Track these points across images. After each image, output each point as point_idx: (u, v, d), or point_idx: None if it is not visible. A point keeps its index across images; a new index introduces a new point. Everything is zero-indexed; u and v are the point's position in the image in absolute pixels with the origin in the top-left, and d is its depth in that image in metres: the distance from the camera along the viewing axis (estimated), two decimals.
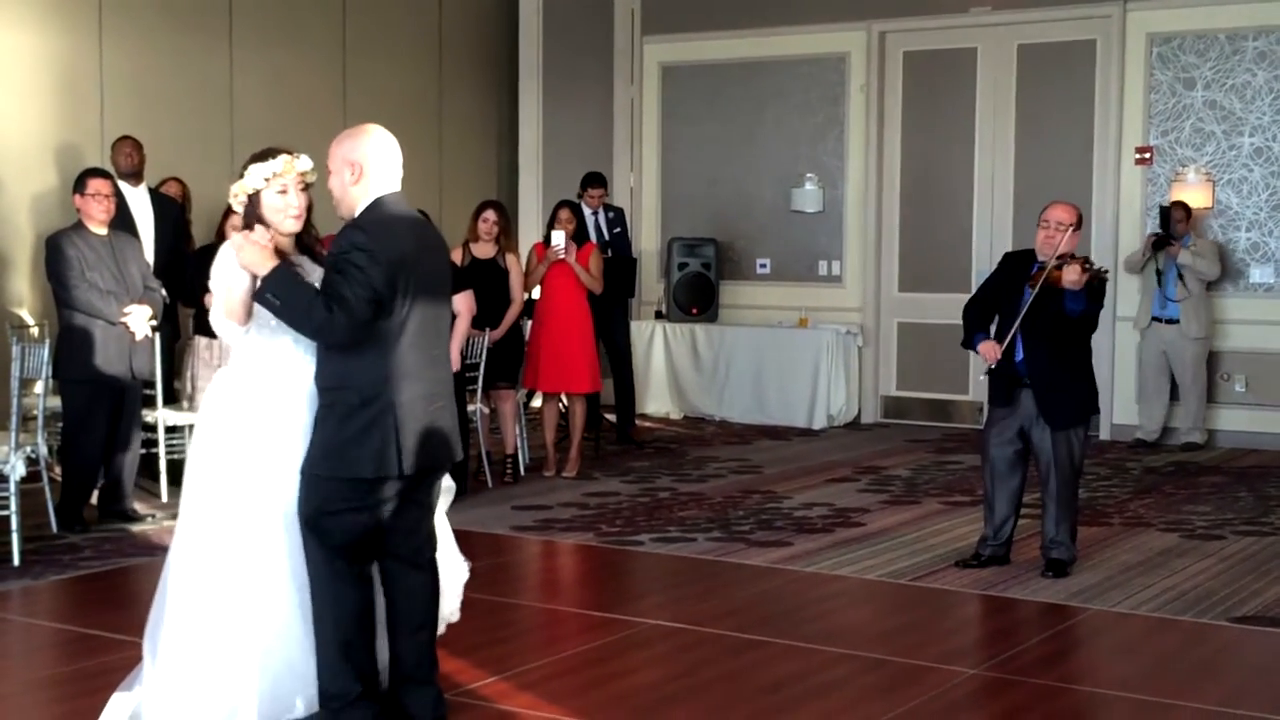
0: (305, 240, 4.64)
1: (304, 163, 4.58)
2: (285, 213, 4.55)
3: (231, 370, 4.59)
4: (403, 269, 4.31)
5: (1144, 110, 10.96)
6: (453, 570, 4.91)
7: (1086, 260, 6.56)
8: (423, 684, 4.57)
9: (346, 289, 4.22)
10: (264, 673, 4.41)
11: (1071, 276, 6.44)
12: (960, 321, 6.95)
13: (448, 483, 4.84)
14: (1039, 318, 6.57)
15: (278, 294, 4.29)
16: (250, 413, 4.47)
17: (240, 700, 4.40)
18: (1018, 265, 6.83)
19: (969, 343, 6.84)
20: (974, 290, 7.29)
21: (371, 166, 4.40)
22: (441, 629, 4.79)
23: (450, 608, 4.90)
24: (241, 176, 4.57)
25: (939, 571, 6.86)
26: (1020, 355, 6.65)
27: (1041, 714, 4.95)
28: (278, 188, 4.53)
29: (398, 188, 4.46)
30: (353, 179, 4.41)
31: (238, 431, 4.47)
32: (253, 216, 4.55)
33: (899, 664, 5.43)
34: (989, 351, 6.66)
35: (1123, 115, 11.01)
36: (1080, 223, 6.74)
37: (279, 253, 4.43)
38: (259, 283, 4.34)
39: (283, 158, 4.55)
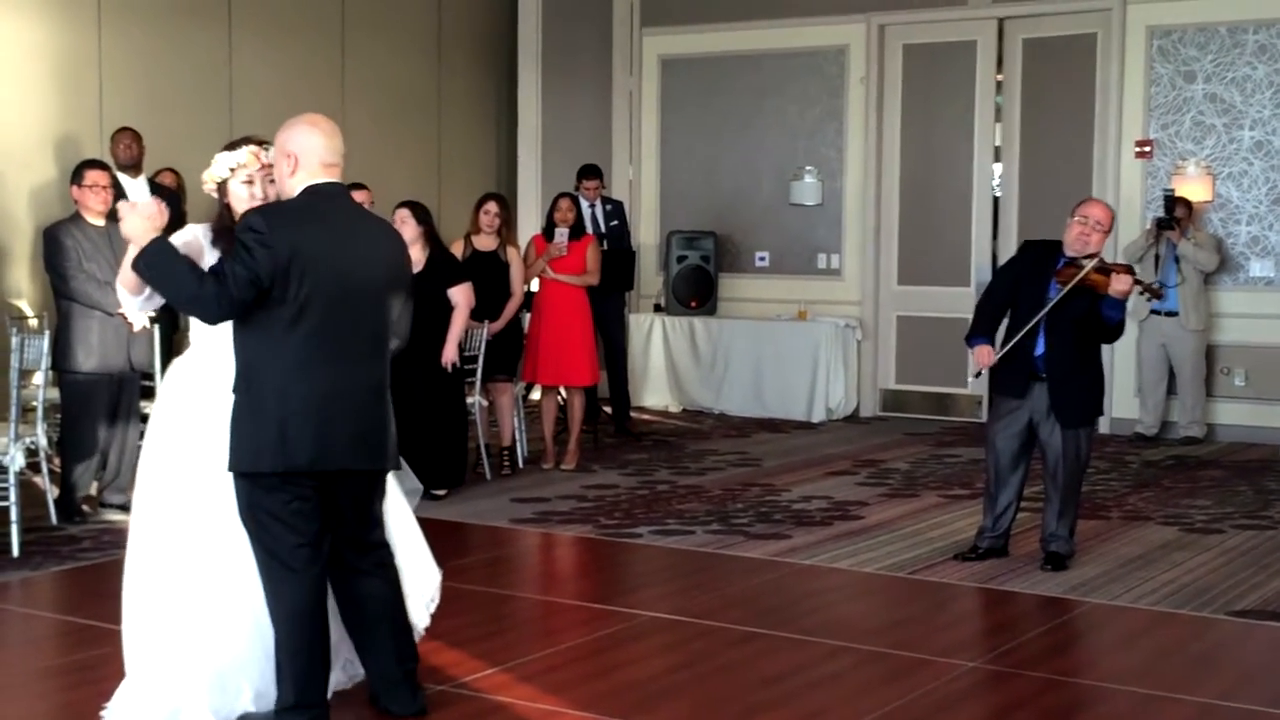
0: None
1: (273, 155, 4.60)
2: (250, 203, 4.60)
3: (188, 357, 4.66)
4: (298, 259, 4.20)
5: (1144, 103, 10.96)
6: (420, 577, 4.85)
7: (1131, 269, 6.55)
8: (395, 683, 4.53)
9: (227, 265, 4.21)
10: (211, 662, 4.44)
11: (1121, 287, 6.41)
12: (968, 315, 6.94)
13: (412, 484, 4.82)
14: (1063, 314, 6.53)
15: (150, 264, 4.28)
16: (202, 401, 4.50)
17: (188, 689, 4.42)
18: (1042, 255, 6.74)
19: (969, 340, 6.82)
20: (985, 279, 7.26)
21: (306, 158, 4.36)
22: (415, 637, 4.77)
23: (418, 617, 4.82)
24: (210, 165, 4.68)
25: (938, 564, 6.86)
26: (1040, 349, 6.62)
27: (1041, 707, 4.95)
28: (243, 178, 4.61)
29: (334, 178, 4.38)
30: (289, 169, 4.38)
31: (189, 420, 4.51)
32: (222, 205, 4.66)
33: (898, 657, 5.44)
34: (982, 356, 6.66)
35: (1123, 108, 11.00)
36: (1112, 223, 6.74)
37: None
38: (137, 253, 4.36)
39: (247, 149, 4.63)
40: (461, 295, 8.20)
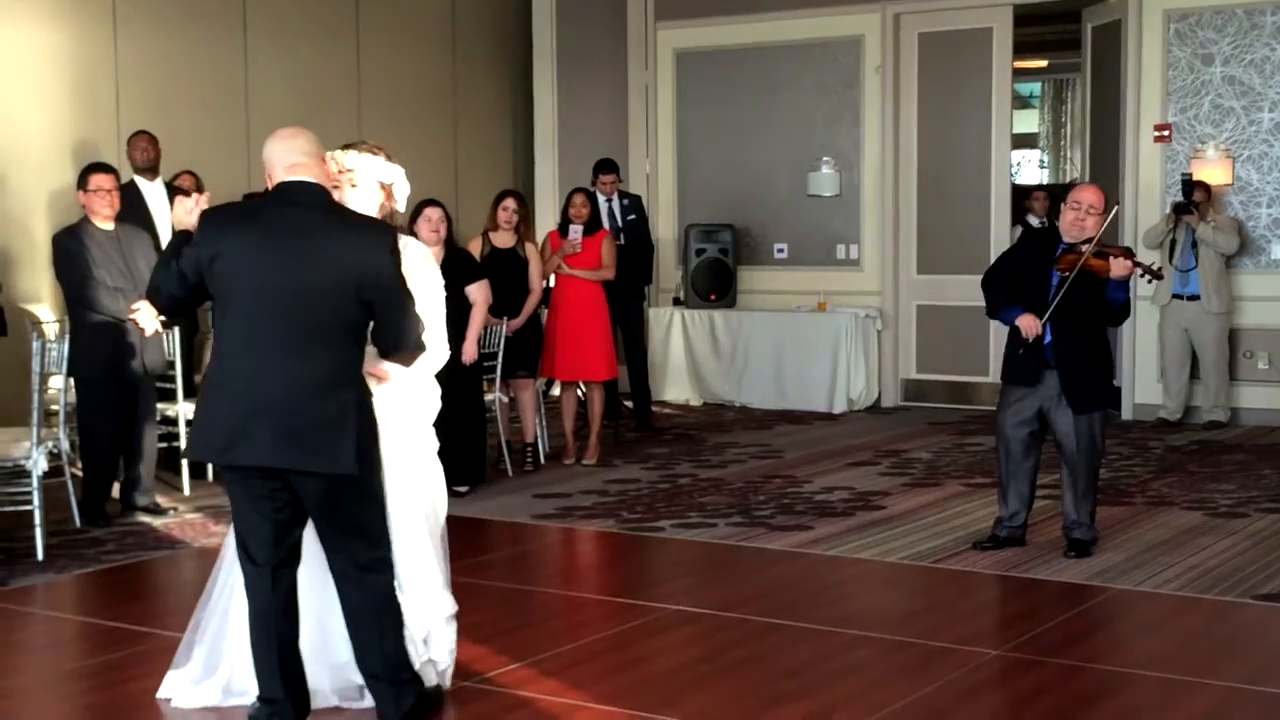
0: None
1: (349, 158, 4.61)
2: None
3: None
4: (221, 258, 4.21)
5: (1162, 87, 10.90)
6: (427, 611, 4.69)
7: (1129, 252, 6.53)
8: (386, 683, 4.46)
9: (165, 273, 4.39)
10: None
11: (1120, 271, 6.40)
12: (980, 295, 6.88)
13: (426, 506, 4.71)
14: (1070, 302, 6.51)
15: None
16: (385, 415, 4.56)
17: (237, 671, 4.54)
18: (1041, 243, 6.78)
19: (996, 314, 6.74)
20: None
21: (271, 166, 4.36)
22: (432, 679, 4.68)
23: (434, 656, 4.72)
24: None
25: (961, 554, 6.84)
26: (1049, 338, 6.60)
27: (1065, 693, 4.93)
28: (334, 181, 4.58)
29: (302, 175, 4.32)
30: (269, 178, 4.40)
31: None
32: None
33: (922, 646, 5.42)
34: (1030, 325, 6.52)
35: (1141, 92, 10.95)
36: (1108, 208, 6.70)
37: None
38: None
39: (332, 153, 4.59)
40: (479, 293, 8.20)
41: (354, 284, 4.21)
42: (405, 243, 4.61)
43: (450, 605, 4.78)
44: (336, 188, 4.58)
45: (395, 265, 4.31)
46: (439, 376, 4.84)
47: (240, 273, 4.22)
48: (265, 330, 4.21)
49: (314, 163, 4.36)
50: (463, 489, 8.12)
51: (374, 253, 4.27)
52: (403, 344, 4.38)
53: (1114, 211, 6.70)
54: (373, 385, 4.42)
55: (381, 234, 4.35)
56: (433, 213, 8.11)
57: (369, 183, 4.67)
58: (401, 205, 4.85)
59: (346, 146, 4.73)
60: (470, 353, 8.13)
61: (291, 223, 4.26)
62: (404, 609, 4.51)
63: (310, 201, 4.31)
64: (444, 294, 4.79)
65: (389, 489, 4.55)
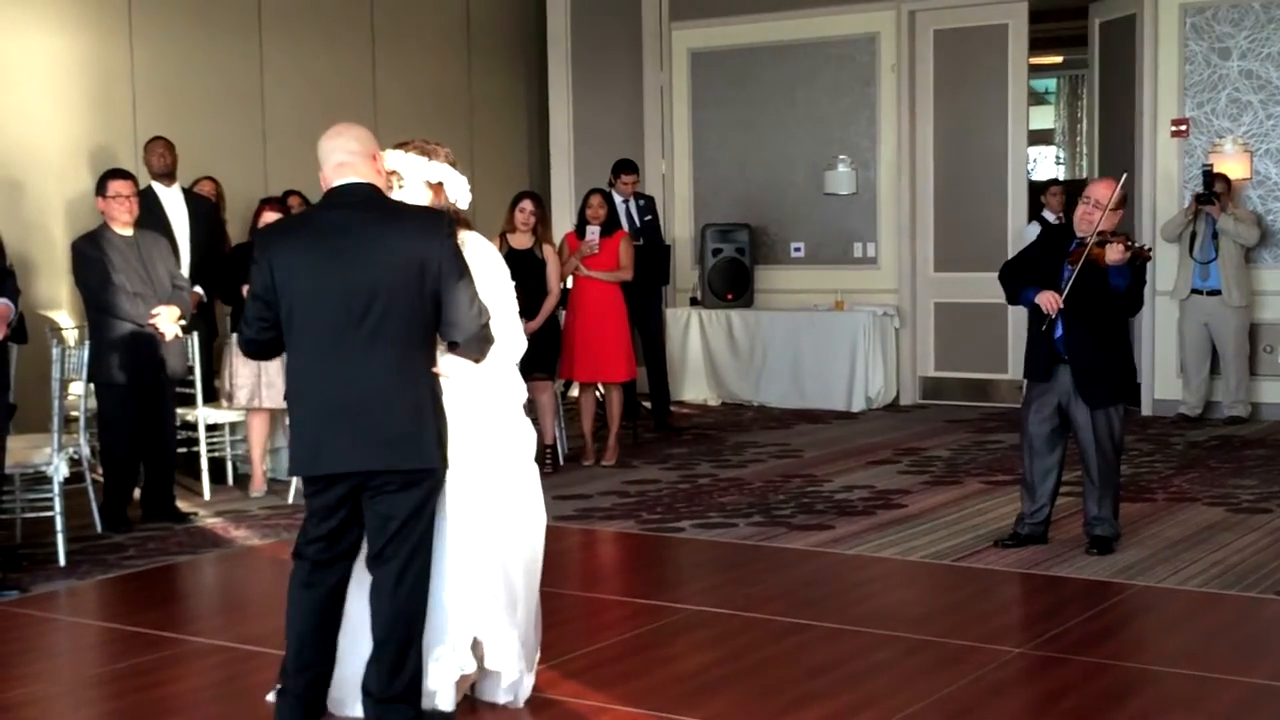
0: None
1: (392, 160, 4.58)
2: None
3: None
4: (279, 269, 4.24)
5: (1179, 82, 10.86)
6: (468, 619, 4.54)
7: (1127, 237, 6.52)
8: (376, 700, 4.39)
9: (247, 308, 4.41)
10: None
11: (1114, 255, 6.40)
12: (997, 291, 6.88)
13: (500, 511, 4.56)
14: (1080, 295, 6.51)
15: None
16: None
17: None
18: (1056, 239, 6.80)
19: (1016, 299, 6.73)
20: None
21: (324, 164, 4.36)
22: (505, 698, 4.70)
23: (498, 666, 4.62)
24: None
25: (982, 552, 6.82)
26: (1060, 332, 6.60)
27: (1089, 691, 4.91)
28: (389, 178, 4.57)
29: (349, 176, 4.31)
30: (322, 179, 4.40)
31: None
32: None
33: (944, 645, 5.40)
34: (1050, 301, 6.49)
35: (1158, 87, 10.91)
36: (1124, 200, 6.67)
37: None
38: None
39: (383, 152, 4.54)
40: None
41: (415, 273, 4.21)
42: (465, 237, 4.55)
43: (504, 619, 4.61)
44: (389, 187, 4.55)
45: (453, 250, 4.29)
46: None
47: (296, 280, 4.22)
48: (331, 335, 4.21)
49: (360, 160, 4.33)
50: None
51: (429, 239, 4.25)
52: (466, 332, 4.31)
53: (1123, 178, 6.68)
54: (445, 383, 4.38)
55: (434, 220, 4.33)
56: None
57: (415, 183, 4.62)
58: (462, 202, 4.72)
59: (399, 145, 4.68)
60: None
61: (341, 224, 4.26)
62: (441, 619, 4.44)
63: (357, 201, 4.30)
64: (511, 285, 4.71)
65: (457, 487, 4.47)
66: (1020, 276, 6.73)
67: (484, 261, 4.60)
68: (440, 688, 4.49)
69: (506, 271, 4.72)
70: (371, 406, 4.21)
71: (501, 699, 4.74)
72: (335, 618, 4.41)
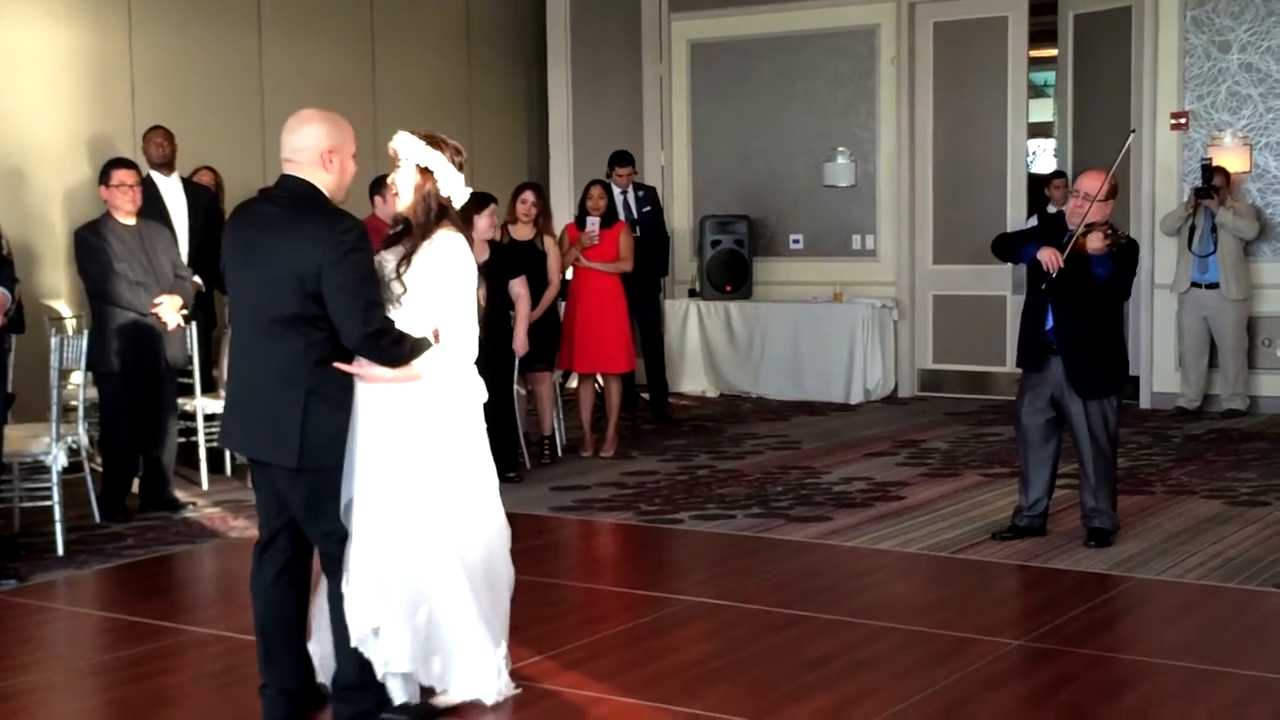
0: (412, 227, 4.58)
1: (397, 138, 4.59)
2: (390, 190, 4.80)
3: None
4: (223, 252, 4.49)
5: (1179, 75, 10.85)
6: (376, 608, 4.43)
7: (1110, 226, 6.52)
8: (334, 690, 4.45)
9: None
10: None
11: (1094, 244, 6.41)
12: (1004, 293, 6.91)
13: (441, 500, 4.52)
14: (1068, 286, 6.51)
15: None
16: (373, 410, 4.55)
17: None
18: (1050, 230, 6.80)
19: (1016, 256, 6.73)
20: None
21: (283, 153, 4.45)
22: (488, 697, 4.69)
23: (474, 685, 4.67)
24: None
25: (980, 544, 6.83)
26: (1050, 323, 6.61)
27: (1087, 683, 4.92)
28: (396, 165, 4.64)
29: (287, 171, 4.37)
30: None
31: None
32: None
33: (943, 636, 5.41)
34: (1051, 257, 6.45)
35: (1158, 80, 10.90)
36: (1114, 192, 6.66)
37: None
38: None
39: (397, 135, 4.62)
40: (520, 287, 8.40)
41: (295, 277, 4.22)
42: (437, 237, 4.51)
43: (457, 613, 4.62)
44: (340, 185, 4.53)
45: (339, 258, 4.19)
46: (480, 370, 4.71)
47: (227, 267, 4.47)
48: (239, 322, 4.43)
49: (305, 157, 4.34)
50: (512, 475, 8.14)
51: (314, 246, 4.21)
52: (350, 338, 4.27)
53: (1130, 139, 6.69)
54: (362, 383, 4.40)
55: (328, 228, 4.25)
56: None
57: (407, 165, 4.59)
58: (456, 196, 4.64)
59: (414, 131, 4.68)
60: (522, 343, 8.37)
61: (262, 218, 4.40)
62: (357, 606, 4.37)
63: (284, 197, 4.38)
64: (472, 288, 4.59)
65: (395, 479, 4.43)
66: (1016, 238, 6.81)
67: (445, 264, 4.51)
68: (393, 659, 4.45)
69: (473, 276, 4.61)
70: (254, 397, 4.36)
71: (479, 690, 4.70)
72: (290, 605, 4.48)
